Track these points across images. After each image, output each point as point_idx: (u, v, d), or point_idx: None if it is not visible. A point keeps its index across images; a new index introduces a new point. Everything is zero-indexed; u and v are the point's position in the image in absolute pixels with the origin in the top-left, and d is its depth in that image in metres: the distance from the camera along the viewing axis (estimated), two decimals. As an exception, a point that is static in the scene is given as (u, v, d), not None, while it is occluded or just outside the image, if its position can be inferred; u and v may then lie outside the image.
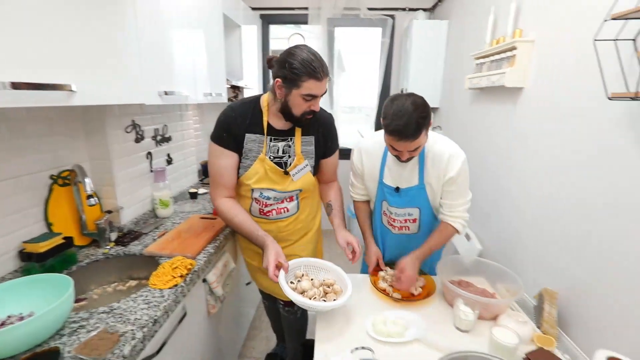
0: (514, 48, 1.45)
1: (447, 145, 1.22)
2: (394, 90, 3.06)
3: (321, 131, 1.27)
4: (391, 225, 1.35)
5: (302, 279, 1.11)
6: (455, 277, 1.34)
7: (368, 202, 1.43)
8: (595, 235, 1.06)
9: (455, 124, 2.26)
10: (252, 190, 1.24)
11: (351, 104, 3.28)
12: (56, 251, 1.08)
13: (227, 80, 2.00)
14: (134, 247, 1.29)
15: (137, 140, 1.49)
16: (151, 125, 1.60)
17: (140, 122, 1.50)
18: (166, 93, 1.26)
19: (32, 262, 1.03)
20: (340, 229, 1.28)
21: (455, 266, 1.34)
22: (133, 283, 1.27)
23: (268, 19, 2.96)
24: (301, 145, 1.25)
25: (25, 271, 1.04)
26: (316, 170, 1.32)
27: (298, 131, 1.23)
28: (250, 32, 2.70)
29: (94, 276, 1.21)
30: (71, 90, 0.82)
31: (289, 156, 1.24)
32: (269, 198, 1.26)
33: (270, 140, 1.21)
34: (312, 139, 1.26)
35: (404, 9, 2.85)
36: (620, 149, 0.97)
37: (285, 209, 1.30)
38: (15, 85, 0.68)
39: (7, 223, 1.02)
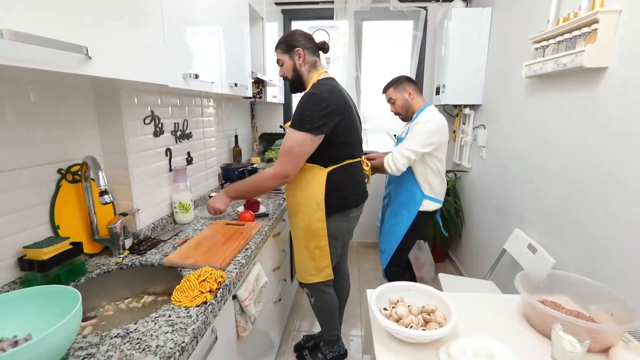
0: (594, 21, 1.27)
1: (428, 116, 1.76)
2: (427, 88, 2.90)
3: (298, 103, 1.33)
4: None
5: (397, 304, 1.00)
6: (534, 296, 1.13)
7: None
8: None
9: (507, 121, 2.07)
10: None
11: (378, 99, 3.10)
12: (62, 259, 0.93)
13: (252, 73, 1.87)
14: (152, 257, 1.13)
15: (156, 134, 1.35)
16: (171, 118, 1.47)
17: (159, 113, 1.37)
18: (197, 76, 1.13)
19: (33, 271, 0.88)
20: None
21: (531, 282, 1.14)
22: (148, 299, 1.10)
23: (290, 15, 2.87)
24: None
25: (25, 282, 0.90)
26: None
27: None
28: (272, 29, 2.61)
29: (105, 290, 1.06)
30: (87, 55, 0.69)
31: None
32: None
33: None
34: None
35: (437, 0, 2.72)
36: None
37: None
38: (16, 36, 0.54)
39: (5, 224, 0.88)
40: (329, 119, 1.28)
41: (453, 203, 2.73)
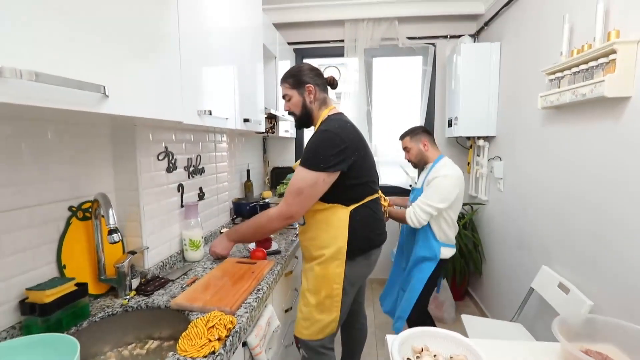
0: (612, 52, 1.25)
1: (441, 169, 1.77)
2: (439, 120, 2.90)
3: (308, 141, 1.28)
4: None
5: (421, 354, 0.89)
6: (575, 344, 1.01)
7: None
8: None
9: (525, 152, 2.02)
10: None
11: (389, 133, 3.10)
12: (66, 301, 0.88)
13: (265, 108, 1.90)
14: (159, 298, 1.07)
15: (169, 170, 1.35)
16: (184, 154, 1.47)
17: (173, 149, 1.37)
18: (210, 112, 1.14)
19: (34, 315, 0.83)
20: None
21: (570, 329, 1.02)
22: (153, 345, 1.03)
23: (302, 53, 2.98)
24: None
25: (24, 327, 0.84)
26: None
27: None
28: (284, 66, 2.69)
29: (108, 335, 1.00)
30: (104, 94, 0.69)
31: None
32: None
33: None
34: None
35: (445, 37, 2.79)
36: None
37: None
38: (35, 76, 0.54)
39: (10, 264, 0.84)
40: (344, 156, 1.19)
41: (471, 237, 2.61)
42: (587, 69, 1.40)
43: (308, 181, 1.17)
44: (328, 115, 1.32)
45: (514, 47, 2.19)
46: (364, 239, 1.29)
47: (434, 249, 1.79)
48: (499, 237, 2.36)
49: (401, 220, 1.82)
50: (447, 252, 1.84)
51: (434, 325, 2.04)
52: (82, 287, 0.94)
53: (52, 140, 0.94)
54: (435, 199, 1.71)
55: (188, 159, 1.50)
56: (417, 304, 1.83)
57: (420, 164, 1.94)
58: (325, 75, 1.42)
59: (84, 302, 0.95)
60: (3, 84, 0.51)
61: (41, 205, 0.91)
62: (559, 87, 1.59)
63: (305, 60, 3.07)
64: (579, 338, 1.02)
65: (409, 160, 1.98)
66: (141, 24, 0.83)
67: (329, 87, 1.43)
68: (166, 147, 1.32)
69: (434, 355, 0.91)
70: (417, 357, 0.91)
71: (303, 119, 1.37)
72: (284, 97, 1.38)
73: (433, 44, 2.81)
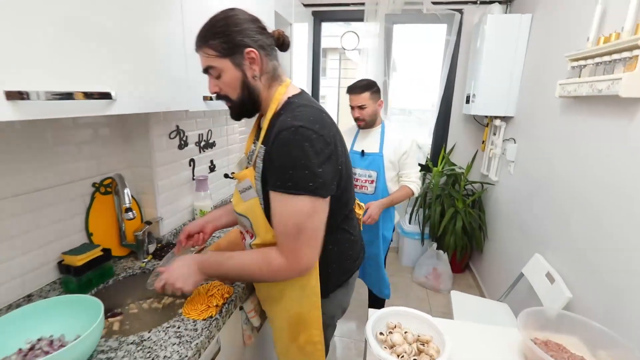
0: (635, 47, 1.17)
1: (398, 132, 1.83)
2: (457, 95, 2.80)
3: (274, 144, 0.78)
4: (355, 186, 1.82)
5: (394, 330, 1.01)
6: (540, 333, 1.11)
7: None
8: None
9: (539, 138, 1.97)
10: None
11: (404, 106, 3.06)
12: (94, 264, 1.06)
13: (276, 82, 1.92)
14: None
15: (181, 147, 1.46)
16: (195, 130, 1.57)
17: (184, 127, 1.47)
18: (212, 98, 1.20)
19: (69, 275, 1.02)
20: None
21: (538, 319, 1.12)
22: (168, 300, 1.23)
23: (320, 17, 2.87)
24: (257, 155, 0.84)
25: (63, 283, 1.04)
26: (267, 209, 0.85)
27: (263, 132, 0.86)
28: (301, 30, 2.62)
29: (130, 290, 1.19)
30: (110, 99, 0.77)
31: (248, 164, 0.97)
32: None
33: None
34: (264, 150, 0.82)
35: (474, 2, 2.59)
36: None
37: (244, 244, 1.01)
38: (49, 95, 0.63)
39: (49, 232, 1.02)
40: (334, 165, 0.81)
41: (477, 217, 2.65)
42: (609, 62, 1.32)
43: (304, 212, 0.77)
44: (288, 98, 0.86)
45: (544, 21, 2.03)
46: (339, 271, 0.99)
47: (392, 216, 1.95)
48: (503, 218, 2.39)
49: (407, 197, 1.84)
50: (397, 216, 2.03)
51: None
52: (106, 252, 1.11)
53: (73, 126, 1.06)
54: (416, 165, 1.86)
55: (199, 134, 1.60)
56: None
57: (368, 126, 1.81)
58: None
59: (109, 264, 1.13)
60: (28, 105, 0.61)
61: (70, 183, 1.06)
62: (579, 76, 1.51)
63: (324, 25, 2.95)
64: (547, 327, 1.12)
65: (359, 119, 1.78)
66: (141, 20, 0.89)
67: (278, 51, 0.91)
68: (177, 126, 1.42)
69: (405, 332, 1.04)
70: (390, 332, 1.05)
71: (245, 106, 0.88)
72: (206, 70, 0.86)
73: (460, 11, 2.62)
